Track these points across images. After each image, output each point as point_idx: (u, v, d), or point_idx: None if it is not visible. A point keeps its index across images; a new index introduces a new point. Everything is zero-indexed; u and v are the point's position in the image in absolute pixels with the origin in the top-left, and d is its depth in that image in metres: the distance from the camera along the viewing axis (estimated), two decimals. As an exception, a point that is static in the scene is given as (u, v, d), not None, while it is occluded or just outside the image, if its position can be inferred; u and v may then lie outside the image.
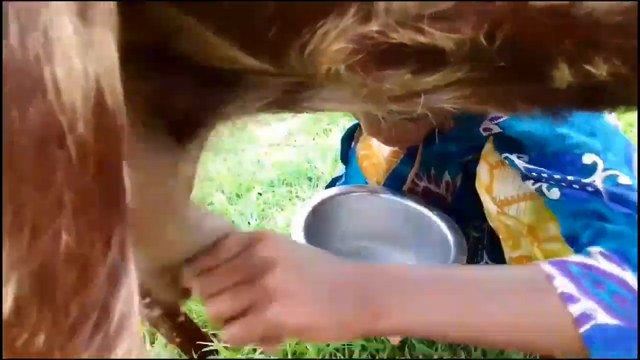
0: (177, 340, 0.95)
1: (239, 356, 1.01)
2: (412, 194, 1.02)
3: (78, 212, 0.21)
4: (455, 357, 1.02)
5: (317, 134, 2.04)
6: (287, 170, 1.70)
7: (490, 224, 0.82)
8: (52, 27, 0.19)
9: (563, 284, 0.51)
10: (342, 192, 1.04)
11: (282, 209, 1.54)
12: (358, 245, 1.00)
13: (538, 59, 0.29)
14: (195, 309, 1.12)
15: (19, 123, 0.19)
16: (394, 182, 1.03)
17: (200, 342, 0.99)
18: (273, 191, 1.64)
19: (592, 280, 0.51)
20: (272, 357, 1.00)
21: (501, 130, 0.71)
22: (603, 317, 0.49)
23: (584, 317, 0.50)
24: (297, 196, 1.63)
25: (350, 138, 1.08)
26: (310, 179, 1.63)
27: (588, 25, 0.26)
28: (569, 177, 0.61)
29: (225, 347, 1.02)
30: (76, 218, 0.21)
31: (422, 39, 0.28)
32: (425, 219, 0.96)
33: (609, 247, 0.54)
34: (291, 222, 0.86)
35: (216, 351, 1.01)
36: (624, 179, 0.60)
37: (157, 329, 0.94)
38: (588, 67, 0.28)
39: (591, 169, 0.62)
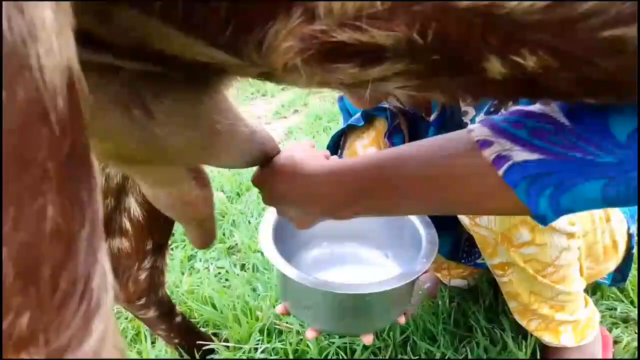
0: (175, 341, 0.96)
1: (239, 356, 1.00)
2: None
3: (61, 186, 0.22)
4: (457, 355, 1.01)
5: (317, 132, 2.03)
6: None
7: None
8: (36, 13, 0.21)
9: (480, 132, 0.47)
10: None
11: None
12: (329, 246, 0.99)
13: (468, 52, 0.29)
14: (197, 309, 1.13)
15: (8, 103, 0.20)
16: None
17: (201, 342, 0.99)
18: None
19: (510, 122, 0.46)
20: (272, 357, 1.00)
21: (475, 113, 0.71)
22: (521, 155, 0.44)
23: (500, 158, 0.45)
24: (299, 194, 1.63)
25: (335, 146, 1.05)
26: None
27: (509, 22, 0.26)
28: None
29: (226, 347, 1.03)
30: (59, 192, 0.22)
31: (362, 37, 0.29)
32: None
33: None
34: (259, 226, 0.85)
35: (217, 351, 1.01)
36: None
37: (153, 330, 0.95)
38: (516, 59, 0.28)
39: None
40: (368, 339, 0.81)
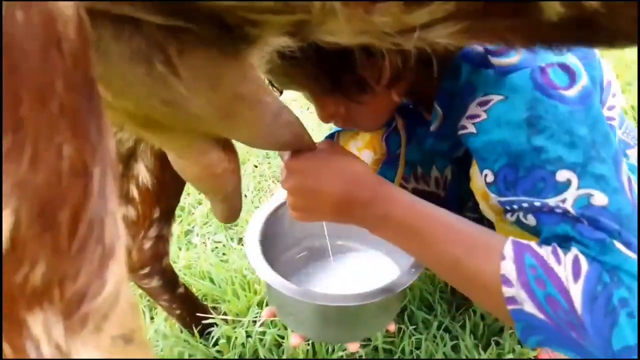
0: (177, 312, 0.95)
1: (238, 329, 1.00)
2: None
3: (76, 122, 0.21)
4: (454, 323, 1.03)
5: (310, 105, 2.01)
6: (281, 142, 1.67)
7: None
8: None
9: (508, 268, 0.54)
10: None
11: (278, 181, 1.53)
12: (326, 243, 0.95)
13: None
14: (195, 283, 1.12)
15: (24, 25, 0.18)
16: None
17: (200, 315, 0.98)
18: (269, 163, 1.62)
19: (536, 277, 0.53)
20: (271, 330, 1.00)
21: (475, 132, 0.65)
22: (530, 309, 0.53)
23: (513, 300, 0.53)
24: (292, 169, 1.61)
25: None
26: (305, 150, 1.61)
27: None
28: (536, 203, 0.59)
29: (225, 320, 1.02)
30: (75, 128, 0.20)
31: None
32: None
33: (590, 255, 0.53)
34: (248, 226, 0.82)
35: (216, 324, 1.01)
36: (599, 199, 0.55)
37: (156, 300, 0.94)
38: None
39: (564, 186, 0.57)
40: (353, 347, 0.80)
